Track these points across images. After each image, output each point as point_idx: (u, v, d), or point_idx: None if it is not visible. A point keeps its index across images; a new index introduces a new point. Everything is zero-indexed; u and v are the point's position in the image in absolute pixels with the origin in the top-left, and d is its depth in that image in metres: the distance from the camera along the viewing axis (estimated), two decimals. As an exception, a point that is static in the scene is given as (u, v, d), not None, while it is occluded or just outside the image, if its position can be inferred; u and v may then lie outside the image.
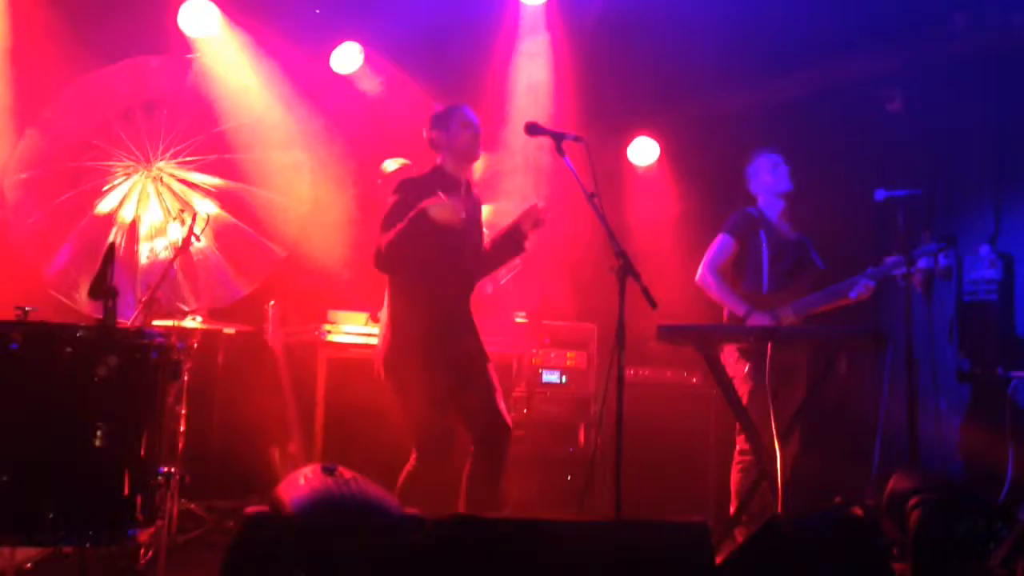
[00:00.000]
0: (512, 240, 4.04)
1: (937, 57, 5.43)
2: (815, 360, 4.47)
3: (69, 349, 2.98)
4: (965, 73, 5.40)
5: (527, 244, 4.04)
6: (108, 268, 3.06)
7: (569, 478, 5.29)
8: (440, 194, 3.76)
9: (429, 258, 3.82)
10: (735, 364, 4.46)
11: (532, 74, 5.81)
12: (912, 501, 3.33)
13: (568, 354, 5.50)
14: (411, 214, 3.72)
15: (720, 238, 4.69)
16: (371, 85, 5.78)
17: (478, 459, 3.86)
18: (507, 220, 4.11)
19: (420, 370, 3.78)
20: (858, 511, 3.02)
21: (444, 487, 3.85)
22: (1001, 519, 3.31)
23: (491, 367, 3.97)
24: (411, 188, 3.89)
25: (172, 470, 3.10)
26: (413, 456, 3.85)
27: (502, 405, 3.93)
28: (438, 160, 4.03)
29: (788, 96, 5.78)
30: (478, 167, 4.04)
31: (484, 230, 4.17)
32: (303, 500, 2.68)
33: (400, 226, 3.74)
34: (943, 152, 5.51)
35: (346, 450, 4.61)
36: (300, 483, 2.76)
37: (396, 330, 3.84)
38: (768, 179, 4.73)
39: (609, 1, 5.74)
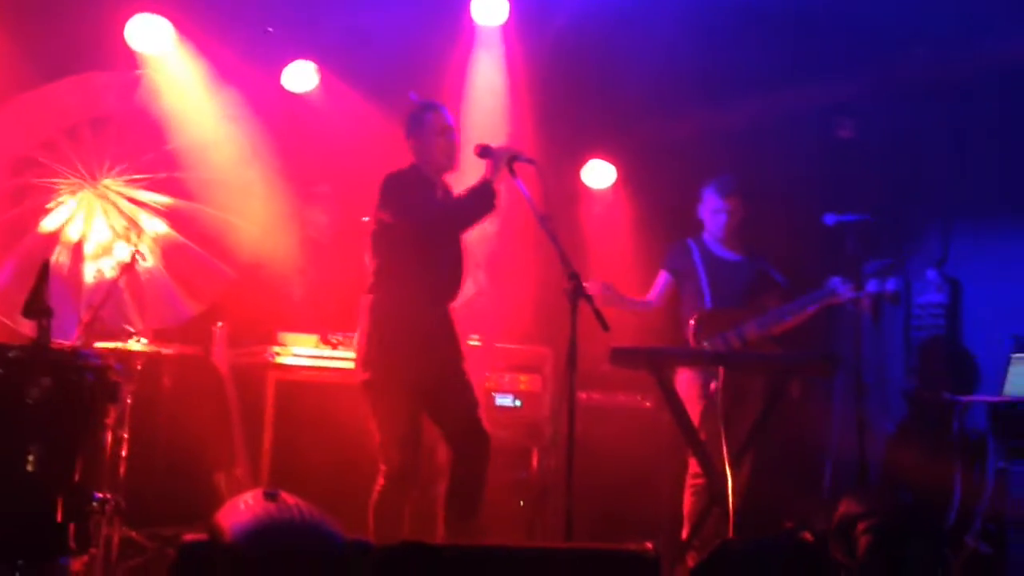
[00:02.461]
0: (483, 194, 3.86)
1: (888, 85, 5.51)
2: (768, 384, 4.48)
3: (1, 370, 2.89)
4: (915, 100, 5.48)
5: (498, 201, 3.91)
6: (42, 286, 2.97)
7: (522, 503, 5.24)
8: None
9: (409, 266, 3.78)
10: (688, 385, 4.47)
11: (487, 95, 5.79)
12: (861, 525, 3.33)
13: (522, 377, 5.46)
14: (476, 185, 3.73)
15: (658, 272, 4.93)
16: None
17: (456, 471, 3.84)
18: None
19: (397, 381, 3.74)
20: (808, 536, 3.02)
21: (412, 503, 3.83)
22: (949, 543, 3.32)
23: (469, 375, 3.94)
24: (398, 178, 3.88)
25: (108, 496, 3.00)
26: (380, 473, 3.78)
27: (480, 415, 3.89)
28: (414, 160, 3.98)
29: (742, 121, 5.83)
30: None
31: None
32: (243, 527, 2.60)
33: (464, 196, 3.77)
34: (893, 178, 5.58)
35: (294, 474, 4.52)
36: (240, 509, 2.69)
37: (374, 340, 3.79)
38: (708, 217, 4.88)
39: (566, 23, 5.76)
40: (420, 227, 3.77)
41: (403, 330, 3.79)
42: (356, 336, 3.91)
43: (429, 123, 3.96)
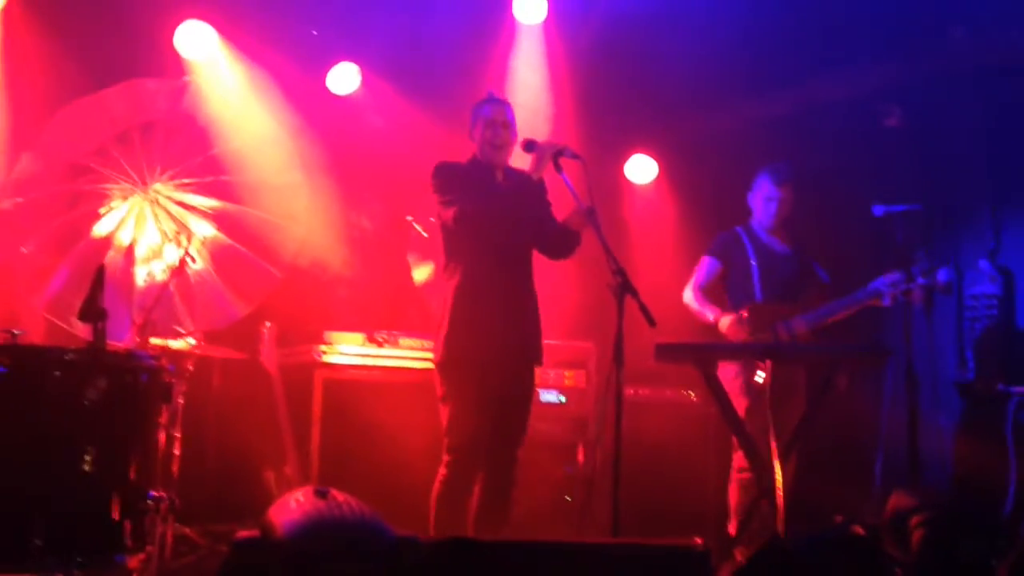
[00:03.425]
0: (569, 238, 4.00)
1: (935, 72, 5.42)
2: (815, 376, 4.44)
3: (58, 372, 2.96)
4: (964, 87, 5.38)
5: (580, 238, 4.00)
6: (98, 290, 3.04)
7: (568, 498, 5.24)
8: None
9: (478, 254, 3.82)
10: (732, 379, 4.43)
11: (529, 93, 5.80)
12: (914, 520, 3.28)
13: (566, 373, 5.46)
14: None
15: (704, 260, 4.79)
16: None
17: (485, 491, 3.86)
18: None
19: (473, 370, 3.78)
20: (859, 530, 2.98)
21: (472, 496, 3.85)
22: (1004, 536, 3.27)
23: (533, 389, 3.99)
24: (448, 167, 3.94)
25: (162, 494, 3.05)
26: (443, 463, 3.81)
27: (523, 434, 3.93)
28: (475, 150, 4.04)
29: (786, 112, 5.77)
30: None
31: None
32: (294, 524, 2.64)
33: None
34: (942, 167, 5.49)
35: (342, 472, 4.57)
36: (292, 506, 2.72)
37: (453, 327, 3.83)
38: (760, 206, 4.79)
39: (606, 19, 5.74)
40: (462, 214, 3.79)
41: (477, 318, 3.81)
42: (439, 323, 3.92)
43: (482, 115, 4.02)
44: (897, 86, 5.55)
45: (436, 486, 3.82)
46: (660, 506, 4.98)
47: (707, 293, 4.73)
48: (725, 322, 4.53)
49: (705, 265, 4.77)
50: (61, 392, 2.94)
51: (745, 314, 4.49)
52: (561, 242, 4.04)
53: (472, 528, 3.82)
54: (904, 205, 4.57)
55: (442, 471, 3.82)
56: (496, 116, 4.00)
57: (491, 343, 3.81)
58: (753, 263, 4.64)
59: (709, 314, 4.62)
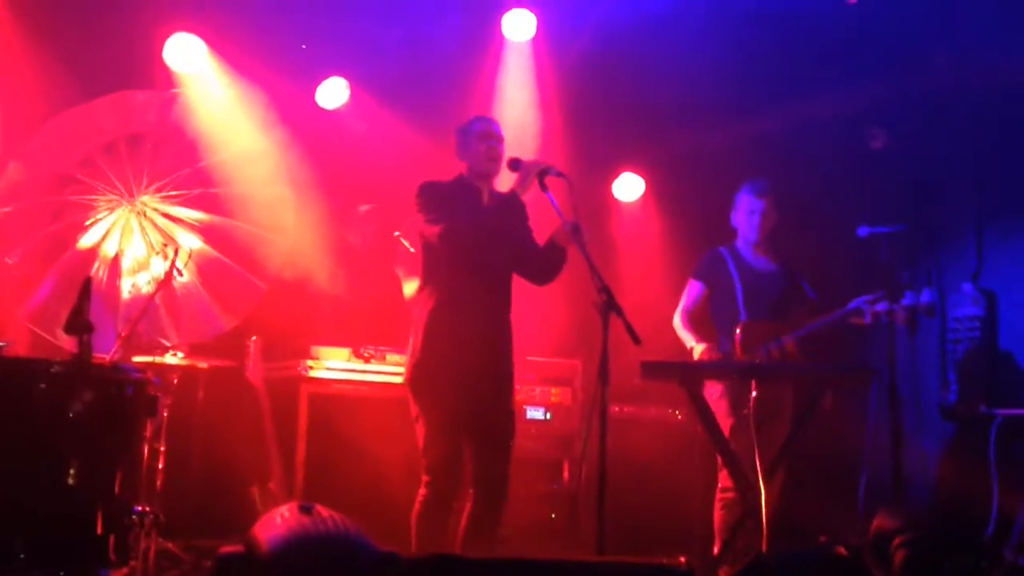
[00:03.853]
0: (554, 256, 4.01)
1: (920, 94, 5.48)
2: (800, 396, 4.46)
3: (43, 385, 2.94)
4: (948, 110, 5.44)
5: (566, 256, 4.02)
6: (84, 302, 3.02)
7: (553, 516, 5.24)
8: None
9: (456, 271, 3.82)
10: (717, 400, 4.45)
11: (517, 110, 5.83)
12: (897, 540, 3.29)
13: (552, 390, 5.47)
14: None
15: (689, 283, 4.82)
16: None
17: (476, 508, 3.84)
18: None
19: (442, 388, 3.76)
20: (842, 550, 2.99)
21: (455, 516, 3.84)
22: (987, 557, 3.28)
23: (513, 408, 3.96)
24: (433, 187, 3.93)
25: (147, 509, 3.04)
26: (423, 483, 3.80)
27: (509, 453, 3.91)
28: (462, 169, 4.04)
29: (773, 132, 5.81)
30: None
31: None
32: (279, 539, 2.62)
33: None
34: (926, 189, 5.54)
35: (328, 487, 4.56)
36: (276, 522, 2.71)
37: (426, 348, 3.81)
38: (743, 220, 4.81)
39: (594, 37, 5.78)
40: (449, 232, 3.79)
41: (448, 338, 3.80)
42: (409, 343, 3.92)
43: (475, 131, 4.02)
44: (882, 107, 5.61)
45: (416, 507, 3.81)
46: (645, 524, 4.98)
47: (694, 316, 4.75)
48: (698, 350, 4.56)
49: (690, 289, 4.81)
50: (46, 404, 2.93)
51: (712, 353, 4.50)
52: (544, 263, 4.04)
53: (461, 543, 3.81)
54: (888, 226, 4.60)
55: (421, 491, 3.81)
56: (490, 130, 4.03)
57: (463, 365, 3.78)
58: (737, 283, 4.66)
59: (688, 340, 4.67)
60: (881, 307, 4.44)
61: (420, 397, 3.82)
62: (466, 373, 3.78)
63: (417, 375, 3.83)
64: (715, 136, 6.01)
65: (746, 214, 4.77)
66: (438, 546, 3.67)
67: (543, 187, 3.84)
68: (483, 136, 3.99)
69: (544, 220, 4.07)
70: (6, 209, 5.09)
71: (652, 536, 4.91)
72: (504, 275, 4.00)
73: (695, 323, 4.73)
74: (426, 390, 3.81)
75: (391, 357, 5.06)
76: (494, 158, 3.98)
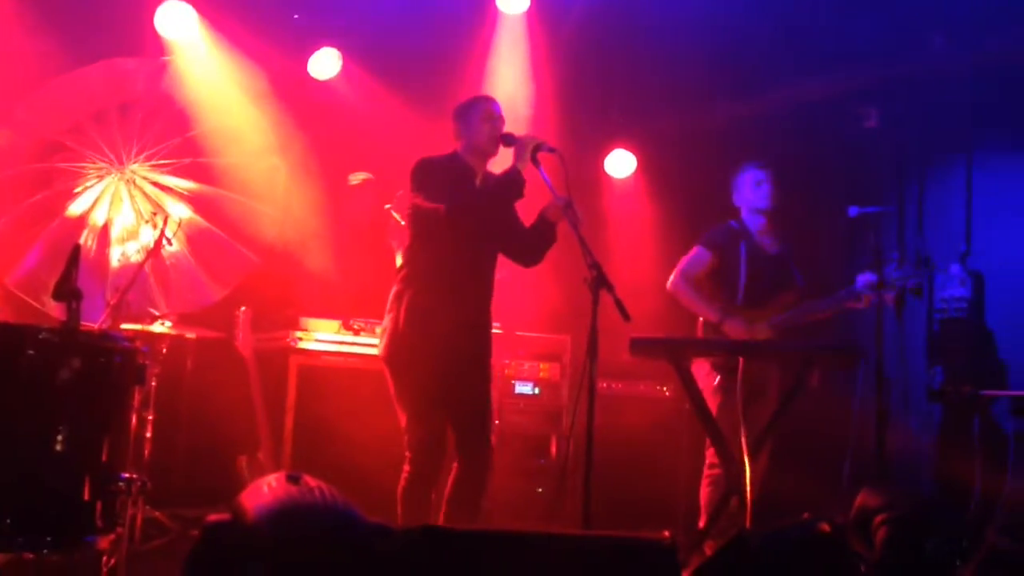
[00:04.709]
0: (544, 233, 3.98)
1: (912, 75, 5.48)
2: (787, 375, 4.47)
3: (31, 351, 2.93)
4: (939, 91, 5.45)
5: (556, 233, 4.00)
6: (72, 269, 3.01)
7: (540, 490, 5.27)
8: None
9: (441, 251, 3.80)
10: (706, 376, 4.46)
11: (509, 84, 5.80)
12: (880, 518, 3.32)
13: (541, 366, 5.48)
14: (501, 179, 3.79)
15: (696, 249, 4.71)
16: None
17: (460, 476, 3.85)
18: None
19: (421, 367, 3.76)
20: (826, 527, 3.01)
21: (439, 491, 3.85)
22: (968, 536, 3.31)
23: (489, 380, 3.96)
24: (430, 164, 3.89)
25: (134, 476, 3.04)
26: (406, 459, 3.81)
27: (489, 424, 3.91)
28: (457, 147, 4.00)
29: (764, 111, 5.81)
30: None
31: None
32: (265, 508, 2.63)
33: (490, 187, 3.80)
34: (915, 169, 5.55)
35: (315, 458, 4.57)
36: (263, 491, 2.71)
37: (406, 323, 3.80)
38: (749, 194, 4.76)
39: (589, 11, 5.75)
40: (453, 210, 3.77)
41: (430, 316, 3.80)
42: (385, 319, 3.92)
43: (479, 109, 3.98)
44: (875, 88, 5.60)
45: (400, 482, 3.82)
46: (631, 499, 5.02)
47: (696, 285, 4.68)
48: (733, 324, 4.48)
49: (697, 256, 4.68)
50: (34, 371, 2.91)
51: (743, 330, 4.48)
52: (532, 243, 4.02)
53: (444, 512, 3.82)
54: (878, 207, 4.60)
55: (405, 468, 3.82)
56: (494, 111, 3.99)
57: (441, 342, 3.78)
58: (743, 261, 4.62)
59: (710, 312, 4.55)
60: (867, 299, 4.44)
61: (398, 375, 3.82)
62: (444, 349, 3.78)
63: (394, 351, 3.82)
64: (707, 114, 6.01)
65: (752, 187, 4.72)
66: (422, 521, 3.69)
67: (535, 162, 3.83)
68: (487, 117, 3.95)
69: (535, 196, 4.06)
70: (-7, 175, 5.05)
71: (638, 511, 4.94)
72: (491, 254, 3.99)
73: (699, 292, 4.68)
74: (404, 367, 3.80)
75: (380, 329, 5.05)
76: (496, 142, 3.95)
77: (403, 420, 3.83)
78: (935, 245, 5.29)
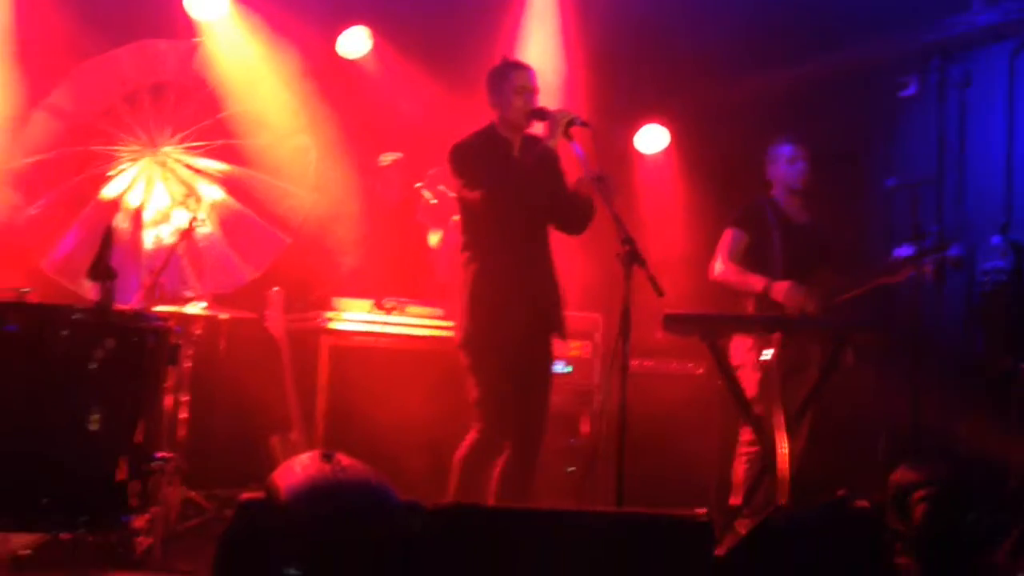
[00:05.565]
0: (578, 205, 3.97)
1: (951, 41, 5.36)
2: (827, 351, 4.41)
3: (65, 331, 2.96)
4: (979, 59, 5.33)
5: (592, 204, 3.97)
6: (107, 249, 3.03)
7: (571, 469, 5.25)
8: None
9: (495, 233, 3.79)
10: (747, 352, 4.41)
11: (541, 59, 5.75)
12: (917, 494, 3.28)
13: (572, 344, 5.44)
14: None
15: (731, 231, 4.66)
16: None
17: (515, 451, 3.85)
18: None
19: (497, 349, 3.78)
20: (862, 504, 2.98)
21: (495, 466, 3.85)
22: (1007, 511, 3.26)
23: (551, 357, 3.98)
24: (464, 149, 3.87)
25: (169, 456, 3.07)
26: (476, 428, 3.83)
27: (547, 403, 3.93)
28: (493, 117, 3.97)
29: (799, 82, 5.71)
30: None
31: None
32: (299, 487, 2.65)
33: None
34: (954, 140, 5.44)
35: (347, 438, 4.57)
36: (296, 470, 2.73)
37: (474, 311, 3.82)
38: (782, 170, 4.69)
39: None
40: (489, 193, 3.76)
41: (496, 295, 3.80)
42: (459, 306, 3.91)
43: (511, 80, 3.92)
44: (912, 57, 5.49)
45: (463, 450, 3.82)
46: (661, 478, 4.98)
47: (736, 264, 4.61)
48: (780, 288, 4.41)
49: (730, 237, 4.64)
50: (69, 351, 2.94)
51: (795, 292, 4.40)
52: (575, 213, 4.00)
53: (496, 492, 3.83)
54: (917, 178, 4.52)
55: (473, 435, 3.83)
56: (527, 83, 3.93)
57: (513, 322, 3.80)
58: (776, 236, 4.56)
59: (756, 282, 4.50)
60: (910, 270, 4.36)
61: (474, 356, 3.85)
62: (515, 330, 3.80)
63: (468, 339, 3.84)
64: (742, 87, 5.92)
65: (787, 163, 4.66)
66: (478, 490, 3.71)
67: (568, 137, 3.79)
68: (520, 89, 3.90)
69: (568, 169, 4.03)
70: (29, 160, 5.10)
71: (668, 490, 4.90)
72: (542, 228, 3.98)
73: (742, 270, 4.60)
74: (479, 350, 3.82)
75: (412, 309, 5.06)
76: (529, 112, 3.91)
77: (474, 393, 3.84)
78: (975, 217, 5.19)
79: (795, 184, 4.65)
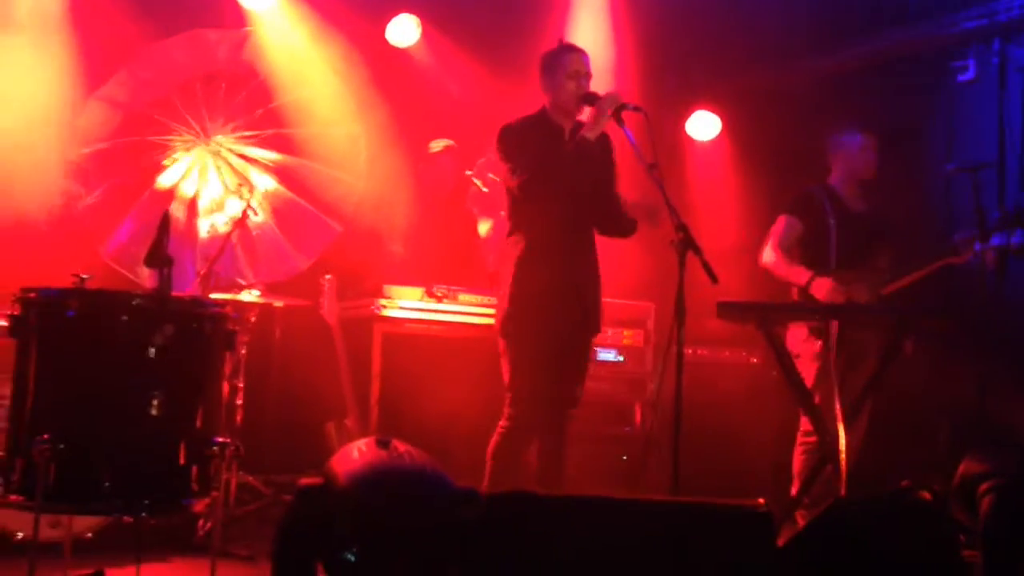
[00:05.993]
0: (623, 223, 3.96)
1: (1009, 24, 5.22)
2: (885, 340, 4.32)
3: (125, 317, 2.98)
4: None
5: (636, 226, 3.98)
6: (163, 236, 3.06)
7: (624, 458, 5.23)
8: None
9: (540, 219, 3.77)
10: (804, 342, 4.34)
11: (591, 45, 5.69)
12: (985, 486, 3.20)
13: (625, 332, 5.42)
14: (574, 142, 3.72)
15: (784, 219, 4.58)
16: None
17: (543, 440, 3.87)
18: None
19: (535, 336, 3.77)
20: (926, 495, 2.91)
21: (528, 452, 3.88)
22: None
23: (589, 349, 3.98)
24: (513, 132, 3.85)
25: (227, 441, 3.09)
26: (505, 416, 3.82)
27: (582, 385, 3.93)
28: (545, 102, 3.93)
29: (853, 66, 5.61)
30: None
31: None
32: (356, 473, 2.65)
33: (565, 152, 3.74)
34: (1016, 122, 5.30)
35: (401, 425, 4.58)
36: (354, 456, 2.73)
37: (516, 295, 3.81)
38: (851, 159, 4.58)
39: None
40: (531, 181, 3.73)
41: (542, 284, 3.79)
42: (500, 290, 3.92)
43: (564, 64, 3.88)
44: (970, 39, 5.36)
45: (495, 439, 3.82)
46: (716, 468, 4.93)
47: (787, 253, 4.57)
48: (821, 285, 4.34)
49: (787, 225, 4.55)
50: (129, 336, 2.97)
51: (837, 290, 4.32)
52: (613, 215, 3.96)
53: (537, 479, 3.83)
54: (978, 162, 4.40)
55: (502, 423, 3.82)
56: (580, 67, 3.88)
57: (552, 311, 3.78)
58: (832, 225, 4.47)
59: (799, 273, 4.42)
60: (970, 253, 4.26)
61: (511, 341, 3.84)
62: (556, 319, 3.78)
63: (508, 324, 3.83)
64: (795, 72, 5.83)
65: (859, 151, 4.55)
66: (512, 479, 3.70)
67: (619, 122, 3.75)
68: (572, 74, 3.86)
69: (621, 155, 3.99)
70: (87, 149, 5.17)
71: (723, 480, 4.85)
72: (588, 221, 3.94)
73: (791, 259, 4.53)
74: (518, 336, 3.81)
75: (464, 297, 5.06)
76: (581, 98, 3.86)
77: (507, 376, 3.83)
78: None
79: (864, 174, 4.56)
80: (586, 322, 3.91)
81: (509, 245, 3.90)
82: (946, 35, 5.39)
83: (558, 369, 3.83)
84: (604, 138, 3.92)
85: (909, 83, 5.55)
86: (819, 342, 4.28)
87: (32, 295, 3.03)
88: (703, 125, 6.12)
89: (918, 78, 5.54)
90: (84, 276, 3.04)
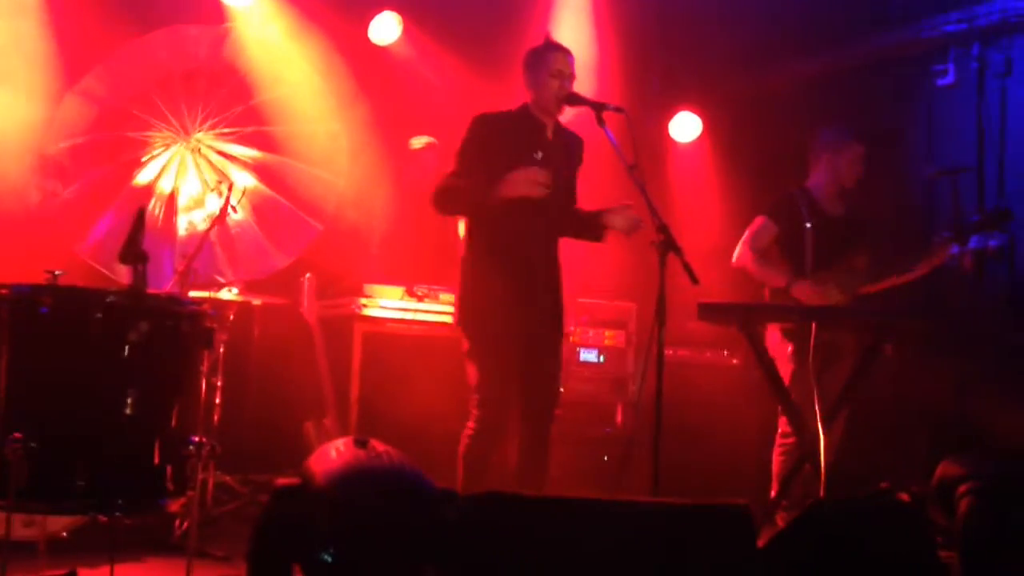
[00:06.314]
0: (593, 226, 3.91)
1: (989, 29, 5.26)
2: (862, 342, 4.34)
3: (99, 314, 2.94)
4: (1019, 46, 5.22)
5: (606, 236, 3.93)
6: (138, 232, 3.02)
7: (605, 458, 5.22)
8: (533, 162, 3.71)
9: (510, 211, 3.72)
10: (778, 344, 4.35)
11: (573, 44, 5.68)
12: (963, 488, 3.21)
13: (606, 333, 5.42)
14: (493, 192, 3.65)
15: (761, 220, 4.58)
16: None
17: (526, 439, 3.83)
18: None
19: (494, 328, 3.73)
20: (904, 497, 2.92)
21: (501, 451, 3.84)
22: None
23: (558, 350, 3.91)
24: (487, 124, 3.81)
25: (204, 440, 3.06)
26: (472, 417, 3.79)
27: (557, 381, 3.89)
28: (527, 99, 3.90)
29: (834, 70, 5.63)
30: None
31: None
32: (334, 473, 2.63)
33: (469, 188, 3.69)
34: (995, 126, 5.34)
35: (381, 424, 4.57)
36: (332, 456, 2.71)
37: (473, 285, 3.79)
38: (840, 166, 4.55)
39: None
40: (436, 195, 3.76)
41: (498, 282, 3.75)
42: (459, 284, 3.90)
43: (548, 63, 3.85)
44: (950, 43, 5.39)
45: (463, 441, 3.79)
46: (697, 469, 4.94)
47: (765, 256, 4.55)
48: (802, 287, 4.34)
49: (763, 227, 4.55)
50: (103, 334, 2.93)
51: (814, 291, 4.32)
52: (573, 232, 3.94)
53: (515, 480, 3.80)
54: (956, 165, 4.43)
55: (470, 425, 3.79)
56: (564, 67, 3.85)
57: (511, 307, 3.74)
58: (809, 230, 4.47)
59: (778, 276, 4.42)
60: (950, 254, 4.27)
61: (471, 337, 3.80)
62: (515, 314, 3.74)
63: (466, 317, 3.80)
64: (776, 75, 5.85)
65: (849, 162, 4.52)
66: (484, 480, 3.67)
67: (601, 123, 3.74)
68: (555, 73, 3.83)
69: (602, 157, 3.98)
70: (63, 144, 5.11)
71: (704, 481, 4.86)
72: (548, 223, 3.91)
73: (767, 261, 4.55)
74: (477, 331, 3.78)
75: (444, 296, 5.04)
76: (563, 97, 3.84)
77: (473, 377, 3.80)
78: (1016, 206, 5.09)
79: (848, 183, 4.55)
80: (547, 321, 3.86)
81: (468, 240, 3.87)
82: (926, 39, 5.42)
83: (526, 367, 3.79)
84: (571, 145, 3.91)
85: (889, 87, 5.58)
86: (791, 344, 4.29)
87: (4, 291, 2.98)
88: (685, 126, 6.13)
89: (898, 82, 5.57)
90: (57, 272, 2.99)
